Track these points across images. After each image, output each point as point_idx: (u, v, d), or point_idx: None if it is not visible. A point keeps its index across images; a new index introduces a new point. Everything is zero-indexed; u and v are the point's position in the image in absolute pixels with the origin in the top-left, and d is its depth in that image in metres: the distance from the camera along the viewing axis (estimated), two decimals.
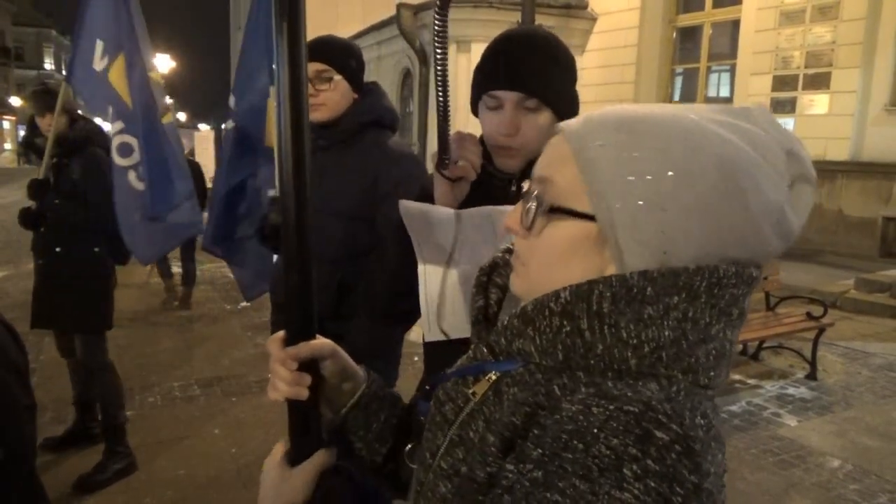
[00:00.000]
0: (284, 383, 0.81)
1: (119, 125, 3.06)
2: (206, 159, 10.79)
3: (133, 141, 3.04)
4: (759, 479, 3.35)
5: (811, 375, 4.78)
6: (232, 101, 2.93)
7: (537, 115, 1.25)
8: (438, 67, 1.10)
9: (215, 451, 3.55)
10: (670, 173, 0.60)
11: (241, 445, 3.60)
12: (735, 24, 10.89)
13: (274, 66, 0.80)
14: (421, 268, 1.22)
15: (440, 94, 1.12)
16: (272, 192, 2.67)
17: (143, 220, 3.07)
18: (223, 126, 2.84)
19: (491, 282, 0.82)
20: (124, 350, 4.79)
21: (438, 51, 1.07)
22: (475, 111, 1.34)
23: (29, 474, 1.10)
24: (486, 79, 1.28)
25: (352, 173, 2.04)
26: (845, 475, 3.41)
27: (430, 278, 1.22)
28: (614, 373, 0.61)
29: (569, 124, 0.67)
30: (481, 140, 1.33)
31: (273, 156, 2.71)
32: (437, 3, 1.03)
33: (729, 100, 11.08)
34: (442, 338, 1.23)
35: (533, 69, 1.23)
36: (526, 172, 1.26)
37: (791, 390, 4.58)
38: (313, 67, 1.98)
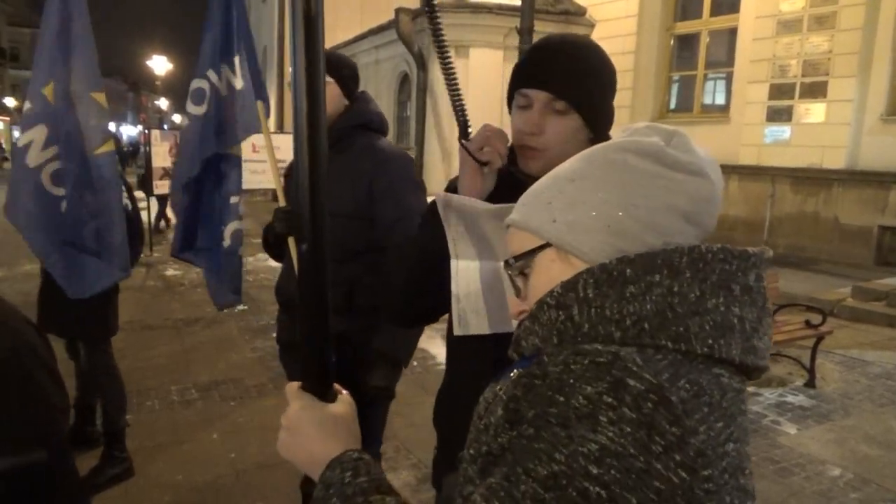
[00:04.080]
0: None
1: (55, 150, 2.71)
2: None
3: (64, 169, 2.72)
4: (760, 488, 3.33)
5: (810, 383, 4.78)
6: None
7: (565, 119, 1.23)
8: (440, 37, 1.20)
9: (213, 456, 3.53)
10: (572, 179, 0.73)
11: (240, 450, 3.58)
12: (732, 32, 10.95)
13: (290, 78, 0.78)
14: (454, 263, 1.21)
15: (446, 64, 1.19)
16: (234, 199, 2.67)
17: (68, 249, 2.78)
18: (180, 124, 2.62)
19: None
20: (121, 354, 4.73)
21: (438, 21, 1.19)
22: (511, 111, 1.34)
23: (71, 473, 1.08)
24: (519, 77, 1.27)
25: (346, 175, 2.14)
26: (846, 484, 3.41)
27: (464, 273, 1.21)
28: (602, 343, 0.65)
29: (510, 217, 0.80)
30: (511, 149, 1.32)
31: (240, 163, 2.61)
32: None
33: (725, 107, 11.14)
34: (477, 332, 1.22)
35: (564, 71, 1.22)
36: None
37: (790, 398, 4.58)
38: None
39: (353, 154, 2.17)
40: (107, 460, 3.20)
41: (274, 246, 2.31)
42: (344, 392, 0.90)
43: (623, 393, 0.58)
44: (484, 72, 10.93)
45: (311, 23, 0.75)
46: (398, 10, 11.88)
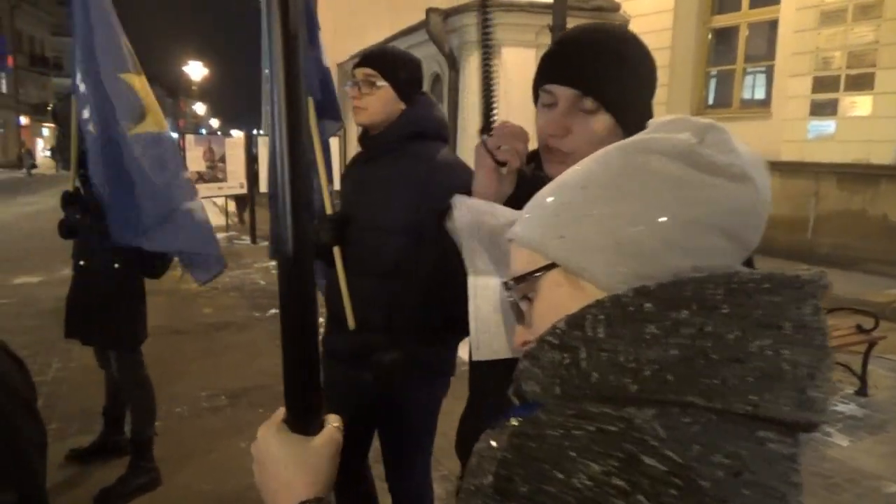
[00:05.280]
0: None
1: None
2: (236, 165, 10.85)
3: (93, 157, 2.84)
4: None
5: (861, 392, 4.55)
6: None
7: (594, 119, 1.10)
8: (485, 29, 1.10)
9: (241, 465, 3.47)
10: (583, 186, 0.62)
11: None
12: (773, 25, 10.61)
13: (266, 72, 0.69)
14: (471, 280, 1.09)
15: (485, 54, 1.09)
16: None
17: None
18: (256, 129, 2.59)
19: None
20: (149, 359, 4.75)
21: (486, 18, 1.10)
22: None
23: None
24: (543, 71, 1.15)
25: (397, 186, 2.01)
26: None
27: (482, 291, 1.09)
28: (613, 401, 0.53)
29: (512, 230, 0.69)
30: (536, 152, 1.20)
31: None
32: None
33: (766, 102, 10.79)
34: (496, 357, 1.11)
35: (594, 66, 1.09)
36: None
37: (841, 407, 4.35)
38: (361, 72, 2.04)
39: (404, 162, 2.03)
40: (133, 470, 3.17)
41: (318, 256, 2.22)
42: (335, 423, 0.78)
43: (637, 475, 0.46)
44: (516, 71, 10.76)
45: (290, 42, 0.65)
46: (429, 11, 11.82)
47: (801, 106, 10.01)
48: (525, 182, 1.15)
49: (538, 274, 0.63)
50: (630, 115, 1.12)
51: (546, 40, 9.29)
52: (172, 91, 74.04)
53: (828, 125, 9.72)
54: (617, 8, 12.16)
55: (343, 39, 15.05)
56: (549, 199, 0.65)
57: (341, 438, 0.77)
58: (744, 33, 11.19)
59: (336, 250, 2.08)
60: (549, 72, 1.13)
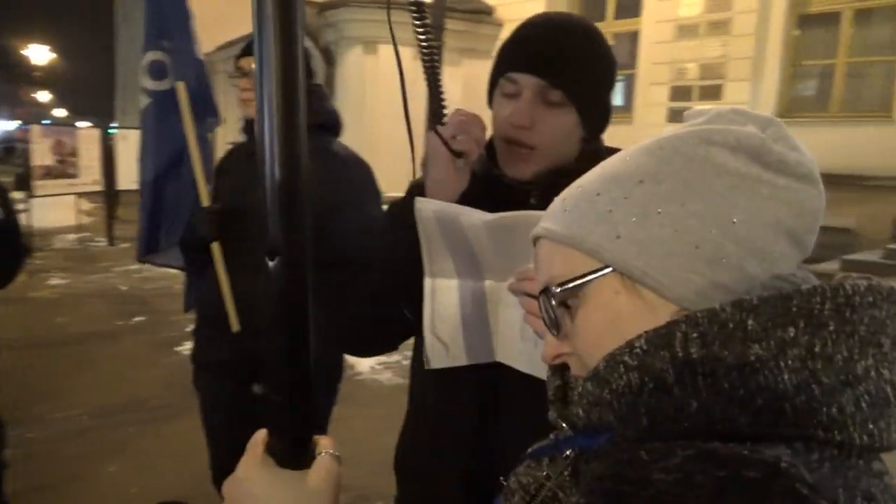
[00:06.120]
0: None
1: None
2: (91, 159, 9.96)
3: None
4: None
5: None
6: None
7: (560, 113, 1.06)
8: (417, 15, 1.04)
9: (112, 492, 3.15)
10: (640, 181, 0.55)
11: (144, 484, 3.22)
12: (634, 36, 11.31)
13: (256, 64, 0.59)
14: (427, 282, 1.02)
15: (423, 44, 1.03)
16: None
17: None
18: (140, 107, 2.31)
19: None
20: (2, 378, 4.22)
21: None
22: (491, 102, 1.14)
23: None
24: (506, 60, 1.09)
25: None
26: None
27: (439, 295, 1.02)
28: (720, 437, 0.46)
29: (545, 227, 0.62)
30: (490, 143, 1.14)
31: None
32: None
33: (628, 108, 11.48)
34: (452, 364, 1.04)
35: (563, 57, 1.05)
36: (542, 181, 1.07)
37: None
38: (250, 61, 1.93)
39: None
40: None
41: (194, 251, 2.04)
42: (329, 449, 0.64)
43: None
44: (393, 69, 10.72)
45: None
46: (304, 4, 11.51)
47: (659, 113, 10.76)
48: (477, 180, 1.08)
49: (589, 279, 0.56)
50: (592, 112, 1.09)
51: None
52: (11, 77, 67.01)
53: None
54: (490, 11, 12.44)
55: (208, 29, 14.30)
56: (596, 194, 0.57)
57: (339, 469, 0.63)
58: (609, 42, 11.85)
59: (215, 246, 1.94)
60: (514, 60, 1.07)
